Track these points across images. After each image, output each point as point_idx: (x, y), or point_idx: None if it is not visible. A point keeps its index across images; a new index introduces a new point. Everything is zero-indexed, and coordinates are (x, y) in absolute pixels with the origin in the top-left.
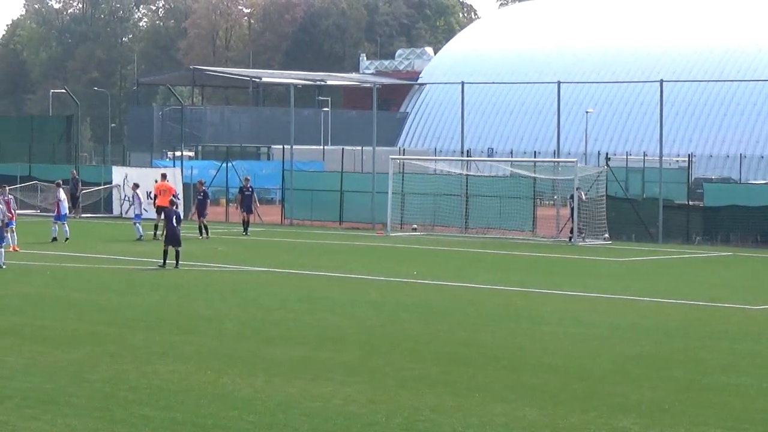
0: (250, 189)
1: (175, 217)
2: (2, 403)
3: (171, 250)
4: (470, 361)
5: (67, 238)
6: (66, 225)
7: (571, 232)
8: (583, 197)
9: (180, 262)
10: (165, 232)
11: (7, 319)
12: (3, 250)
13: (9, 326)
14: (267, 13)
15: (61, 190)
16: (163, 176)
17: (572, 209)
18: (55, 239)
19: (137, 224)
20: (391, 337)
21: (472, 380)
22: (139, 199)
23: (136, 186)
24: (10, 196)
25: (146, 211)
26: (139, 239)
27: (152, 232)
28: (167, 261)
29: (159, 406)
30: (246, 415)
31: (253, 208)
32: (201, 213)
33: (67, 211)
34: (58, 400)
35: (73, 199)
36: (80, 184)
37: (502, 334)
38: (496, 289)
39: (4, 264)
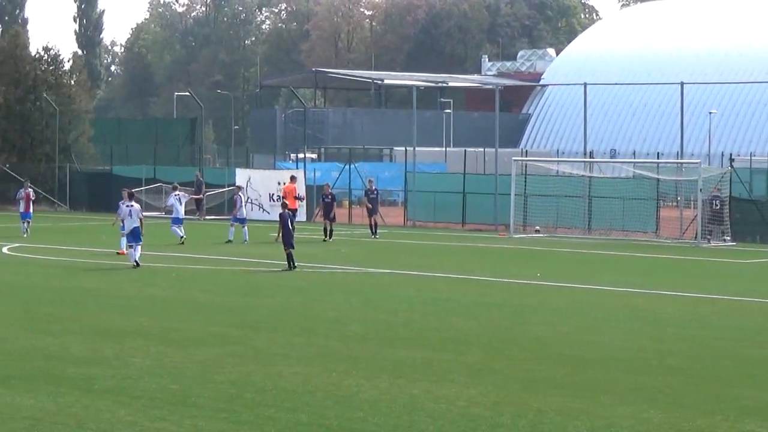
0: (375, 192)
1: (290, 219)
2: (130, 403)
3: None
4: (594, 363)
5: (182, 239)
6: (180, 228)
7: (711, 234)
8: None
9: (296, 264)
10: (280, 235)
11: (134, 321)
12: (139, 248)
13: (136, 328)
14: (389, 15)
15: (173, 194)
16: (292, 178)
17: (712, 209)
18: (183, 240)
19: (232, 227)
20: (514, 338)
21: (596, 382)
22: (241, 201)
23: (239, 188)
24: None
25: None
26: (228, 242)
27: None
28: (291, 263)
29: (284, 408)
30: (370, 417)
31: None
32: (327, 215)
33: (180, 215)
34: (185, 400)
35: (198, 202)
36: (204, 186)
37: (625, 336)
38: (619, 290)
39: (139, 262)
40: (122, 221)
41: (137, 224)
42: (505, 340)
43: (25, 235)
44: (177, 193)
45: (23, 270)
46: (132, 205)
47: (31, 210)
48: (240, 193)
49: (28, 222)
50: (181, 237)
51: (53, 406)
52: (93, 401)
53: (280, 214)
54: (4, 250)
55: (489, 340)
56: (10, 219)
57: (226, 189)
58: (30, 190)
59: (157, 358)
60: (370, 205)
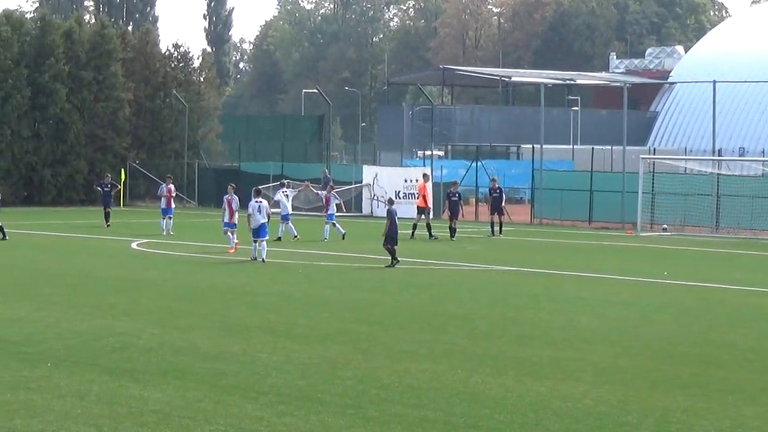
0: (499, 190)
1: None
2: (257, 399)
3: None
4: (722, 363)
5: (296, 237)
6: (290, 224)
7: None
8: None
9: (398, 259)
10: (386, 231)
11: (262, 317)
12: (265, 244)
13: (264, 324)
14: (516, 13)
15: (281, 190)
16: (425, 176)
17: None
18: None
19: (328, 225)
20: (641, 337)
21: (723, 382)
22: (337, 199)
23: (331, 187)
24: (235, 196)
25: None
26: (324, 240)
27: (410, 232)
28: (393, 258)
29: (410, 404)
30: (497, 414)
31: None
32: (454, 214)
33: (288, 211)
34: (311, 396)
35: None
36: (332, 183)
37: (754, 335)
38: (748, 290)
39: (265, 259)
40: (243, 218)
41: (265, 221)
42: (632, 338)
43: (164, 233)
44: (284, 189)
45: (152, 265)
46: (260, 202)
47: (173, 206)
48: (333, 192)
49: (170, 218)
50: (295, 235)
51: (182, 401)
52: (221, 396)
53: (388, 210)
54: (133, 245)
55: (616, 338)
56: (140, 215)
57: (353, 186)
58: (172, 185)
59: (285, 354)
60: (487, 204)
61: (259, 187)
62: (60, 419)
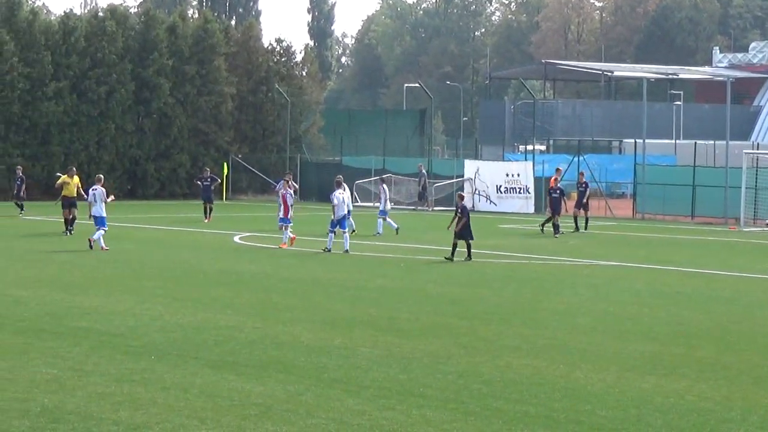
0: (585, 185)
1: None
2: (359, 393)
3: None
4: None
5: (353, 231)
6: (384, 219)
7: None
8: None
9: (472, 254)
10: (456, 224)
11: (364, 311)
12: (348, 235)
13: (366, 318)
14: (619, 7)
15: (384, 185)
16: (557, 171)
17: None
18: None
19: (380, 219)
20: (745, 333)
21: None
22: (385, 194)
23: (382, 180)
24: (290, 190)
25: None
26: (377, 235)
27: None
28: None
29: (512, 399)
30: (599, 410)
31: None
32: (556, 210)
33: (386, 206)
34: (413, 390)
35: (421, 193)
36: (427, 178)
37: None
38: None
39: (348, 250)
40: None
41: (345, 212)
42: (736, 334)
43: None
44: (384, 185)
45: (254, 259)
46: (343, 193)
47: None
48: (383, 186)
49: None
50: (395, 227)
51: (283, 394)
52: (322, 390)
53: (464, 206)
54: (236, 239)
55: (719, 334)
56: (242, 208)
57: (455, 180)
58: (291, 181)
59: (386, 348)
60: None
61: (339, 177)
62: (163, 412)
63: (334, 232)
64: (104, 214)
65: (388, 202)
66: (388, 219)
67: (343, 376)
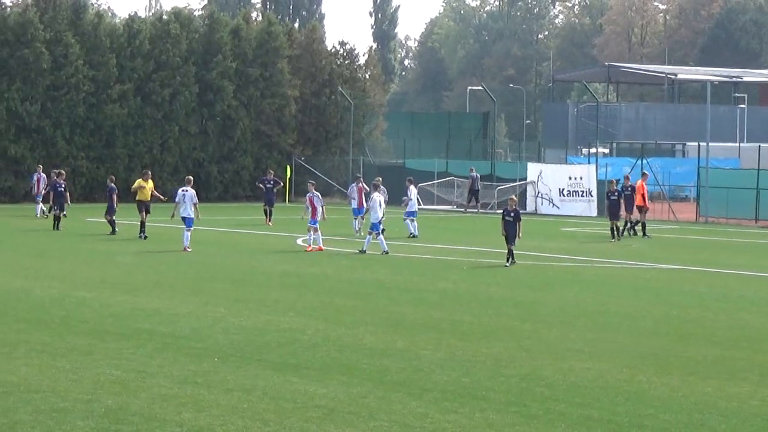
0: (630, 188)
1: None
2: (422, 395)
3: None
4: None
5: (414, 235)
6: (414, 222)
7: None
8: None
9: (515, 260)
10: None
11: (426, 314)
12: (383, 237)
13: (428, 321)
14: (683, 9)
15: (412, 186)
16: (644, 176)
17: None
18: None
19: (408, 221)
20: None
21: None
22: (410, 195)
23: (410, 181)
24: (317, 193)
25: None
26: (412, 236)
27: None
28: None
29: (574, 403)
30: (662, 414)
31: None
32: (614, 215)
33: (414, 209)
34: (476, 393)
35: (473, 194)
36: (479, 181)
37: None
38: None
39: (387, 251)
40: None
41: (381, 214)
42: None
43: (358, 233)
44: (411, 186)
45: (317, 261)
46: (380, 196)
47: (365, 205)
48: (411, 186)
49: (362, 218)
50: (410, 233)
51: (346, 396)
52: (385, 392)
53: (517, 210)
54: (298, 241)
55: None
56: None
57: (518, 183)
58: (363, 184)
59: (449, 350)
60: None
61: (378, 180)
62: (226, 413)
63: (370, 233)
64: (192, 215)
65: (414, 203)
66: (413, 221)
67: (406, 378)
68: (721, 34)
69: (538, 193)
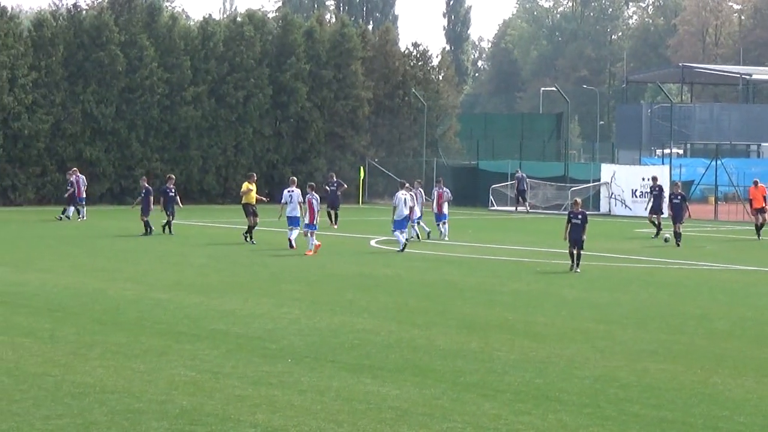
0: (680, 196)
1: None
2: (495, 397)
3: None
4: None
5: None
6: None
7: None
8: None
9: (581, 263)
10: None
11: (499, 314)
12: (402, 236)
13: (502, 322)
14: (758, 9)
15: (444, 189)
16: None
17: None
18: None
19: (439, 224)
20: None
21: None
22: (413, 198)
23: (438, 181)
24: (315, 195)
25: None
26: (444, 239)
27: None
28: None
29: (649, 404)
30: (737, 416)
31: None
32: (677, 217)
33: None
34: (549, 395)
35: (519, 194)
36: (526, 182)
37: None
38: None
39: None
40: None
41: (407, 213)
42: None
43: (444, 238)
44: (420, 189)
45: (390, 262)
46: (405, 195)
47: (445, 210)
48: (420, 190)
49: (444, 223)
50: (415, 235)
51: (419, 398)
52: (459, 394)
53: (584, 212)
54: (372, 243)
55: None
56: (379, 212)
57: (591, 184)
58: (444, 189)
59: (522, 352)
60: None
61: (404, 181)
62: (300, 415)
63: (402, 232)
64: (299, 215)
65: (418, 206)
66: (421, 224)
67: (479, 380)
68: None
69: (611, 194)
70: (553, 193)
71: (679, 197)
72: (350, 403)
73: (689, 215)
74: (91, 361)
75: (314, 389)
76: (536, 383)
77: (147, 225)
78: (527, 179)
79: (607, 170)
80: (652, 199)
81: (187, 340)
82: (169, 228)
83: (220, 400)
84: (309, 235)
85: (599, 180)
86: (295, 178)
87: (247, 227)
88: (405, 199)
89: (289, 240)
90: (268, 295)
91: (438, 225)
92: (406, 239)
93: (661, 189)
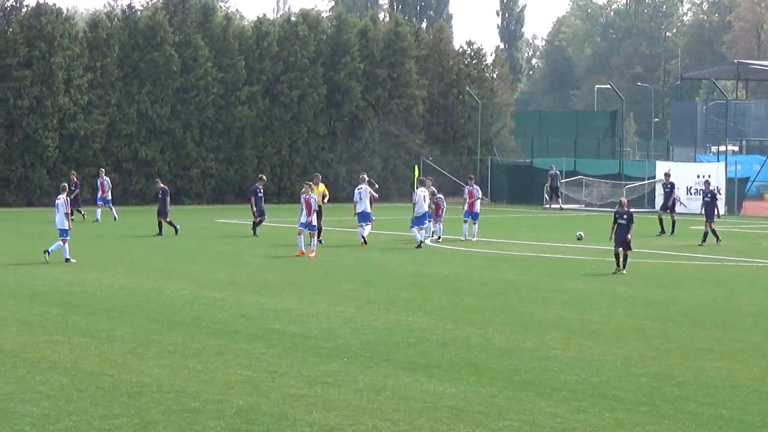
0: (710, 194)
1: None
2: (551, 395)
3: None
4: None
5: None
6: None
7: None
8: None
9: (626, 264)
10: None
11: (555, 313)
12: (417, 232)
13: (557, 320)
14: None
15: (474, 187)
16: None
17: None
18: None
19: (466, 224)
20: None
21: None
22: (476, 195)
23: (421, 183)
24: (313, 195)
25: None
26: (467, 240)
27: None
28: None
29: (705, 403)
30: None
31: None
32: (708, 216)
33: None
34: (605, 393)
35: (553, 191)
36: (559, 179)
37: None
38: None
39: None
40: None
41: (425, 210)
42: None
43: (464, 239)
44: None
45: (445, 261)
46: (424, 192)
47: (476, 209)
48: (422, 189)
49: (474, 222)
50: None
51: (475, 396)
52: (514, 392)
53: (630, 212)
54: (427, 241)
55: None
56: None
57: (646, 182)
58: (473, 186)
59: (578, 350)
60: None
61: (423, 178)
62: (356, 413)
63: (421, 228)
64: (369, 211)
65: (421, 207)
66: (424, 227)
67: (535, 378)
68: None
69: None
70: (608, 191)
71: (710, 195)
72: (406, 402)
73: (719, 215)
74: (147, 361)
75: (370, 388)
76: (592, 381)
77: (160, 225)
78: (560, 176)
79: (662, 167)
80: (703, 206)
81: (243, 340)
82: (255, 228)
83: (276, 399)
84: (311, 236)
85: (654, 177)
86: (365, 176)
87: (317, 230)
88: (424, 195)
89: (362, 237)
90: (323, 294)
91: (464, 224)
92: (424, 238)
93: (713, 196)
